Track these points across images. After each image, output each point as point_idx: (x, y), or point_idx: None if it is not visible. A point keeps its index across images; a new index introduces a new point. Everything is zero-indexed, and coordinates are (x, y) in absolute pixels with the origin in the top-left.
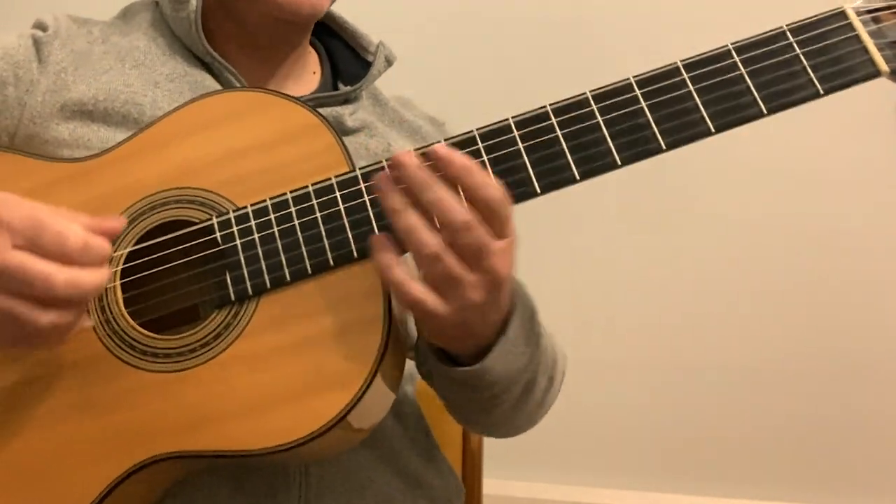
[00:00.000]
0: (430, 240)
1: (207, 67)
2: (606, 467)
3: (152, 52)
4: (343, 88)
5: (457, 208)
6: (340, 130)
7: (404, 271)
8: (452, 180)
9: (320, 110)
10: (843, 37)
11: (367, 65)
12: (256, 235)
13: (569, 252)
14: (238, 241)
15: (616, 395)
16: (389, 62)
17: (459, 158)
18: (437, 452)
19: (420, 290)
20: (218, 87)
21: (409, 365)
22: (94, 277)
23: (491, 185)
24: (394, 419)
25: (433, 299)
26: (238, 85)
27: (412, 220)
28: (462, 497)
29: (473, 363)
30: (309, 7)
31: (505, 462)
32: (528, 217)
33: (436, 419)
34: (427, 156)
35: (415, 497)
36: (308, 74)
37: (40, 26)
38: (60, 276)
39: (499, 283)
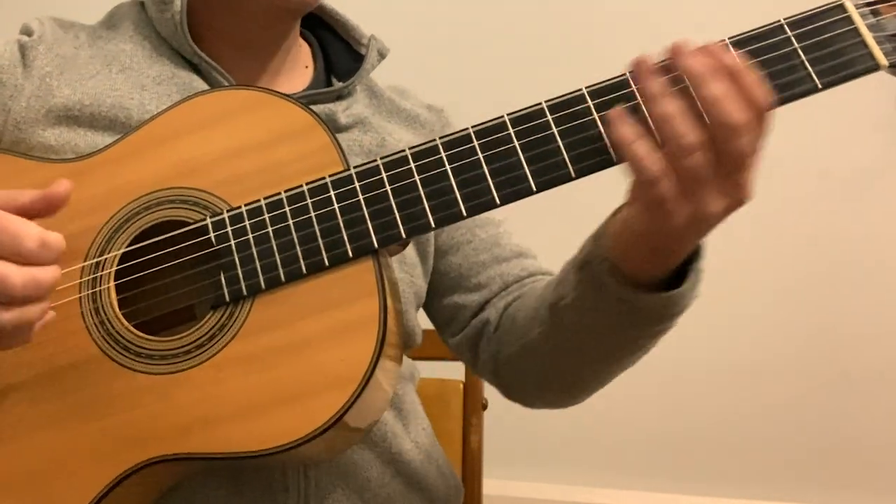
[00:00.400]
0: (692, 130)
1: (195, 68)
2: (606, 467)
3: (139, 54)
4: (336, 84)
5: (737, 107)
6: (333, 128)
7: (648, 145)
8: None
9: (313, 107)
10: (841, 30)
11: (360, 58)
12: (251, 236)
13: (568, 252)
14: (232, 242)
15: (616, 396)
16: (382, 55)
17: (734, 60)
18: (437, 452)
19: (661, 169)
20: (207, 87)
21: (409, 363)
22: (50, 274)
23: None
24: (394, 418)
25: (673, 192)
26: (227, 84)
27: (673, 107)
28: (461, 497)
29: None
30: None
31: (505, 462)
32: (529, 217)
33: (436, 419)
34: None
35: (413, 497)
36: (300, 69)
37: (26, 31)
38: (18, 277)
39: (739, 201)
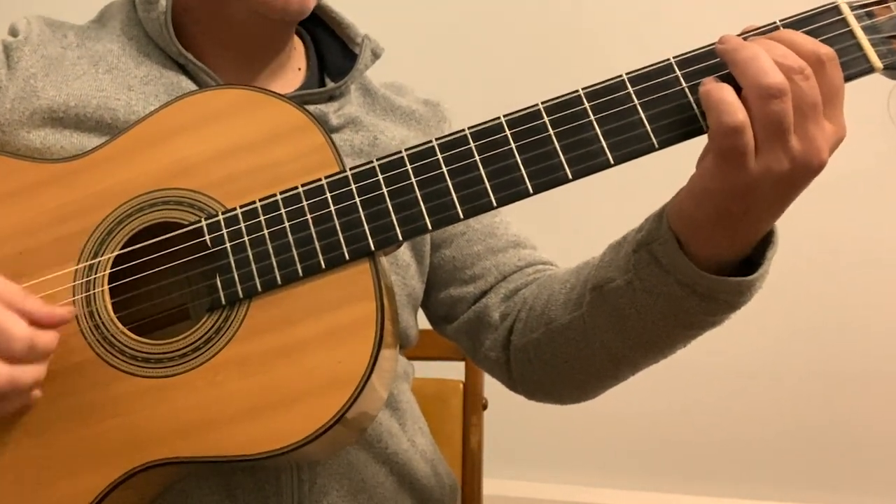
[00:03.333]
0: (776, 70)
1: (183, 69)
2: (606, 467)
3: (126, 54)
4: (329, 85)
5: (809, 47)
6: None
7: (733, 92)
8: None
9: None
10: (836, 32)
11: (355, 57)
12: (246, 238)
13: (568, 251)
14: (228, 244)
15: (616, 396)
16: (376, 55)
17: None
18: (433, 451)
19: (745, 116)
20: (195, 88)
21: (403, 362)
22: (31, 374)
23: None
24: (389, 418)
25: (751, 143)
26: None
27: (755, 49)
28: (457, 496)
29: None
30: (297, 4)
31: (505, 462)
32: (529, 217)
33: (435, 418)
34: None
35: (408, 496)
36: (292, 72)
37: (12, 32)
38: (1, 375)
39: (815, 163)
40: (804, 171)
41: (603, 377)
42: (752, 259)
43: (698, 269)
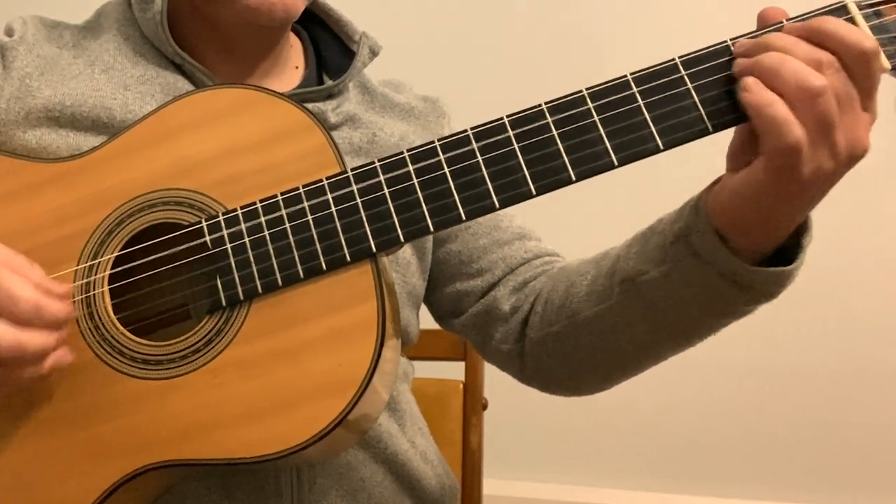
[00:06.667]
0: (811, 70)
1: (179, 68)
2: (606, 467)
3: (122, 54)
4: (327, 83)
5: (853, 40)
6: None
7: (777, 98)
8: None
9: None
10: None
11: (353, 55)
12: (247, 239)
13: (567, 251)
14: (228, 245)
15: (616, 396)
16: (374, 53)
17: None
18: (433, 452)
19: (794, 118)
20: (191, 87)
21: (403, 362)
22: (37, 341)
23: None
24: (389, 419)
25: (805, 141)
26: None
27: (777, 55)
28: (457, 497)
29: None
30: (282, 10)
31: (505, 462)
32: (529, 216)
33: (436, 418)
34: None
35: (408, 497)
36: (289, 70)
37: (8, 32)
38: (4, 338)
39: (857, 155)
40: (848, 162)
41: (628, 368)
42: (785, 245)
43: (740, 261)
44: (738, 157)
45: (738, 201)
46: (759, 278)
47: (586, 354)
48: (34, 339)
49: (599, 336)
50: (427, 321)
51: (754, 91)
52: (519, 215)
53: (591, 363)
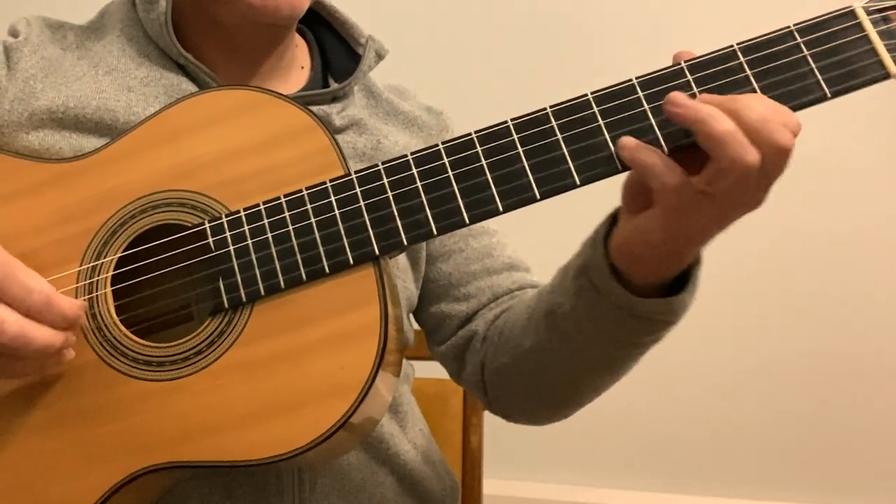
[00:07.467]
0: (752, 149)
1: (183, 69)
2: (606, 467)
3: (126, 55)
4: (332, 86)
5: (760, 103)
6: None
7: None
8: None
9: None
10: (852, 37)
11: (359, 57)
12: (250, 241)
13: (566, 251)
14: (231, 247)
15: (615, 396)
16: (380, 56)
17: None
18: (434, 452)
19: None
20: (195, 89)
21: (405, 364)
22: (44, 335)
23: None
24: (390, 420)
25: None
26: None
27: (731, 126)
28: (457, 497)
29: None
30: (288, 8)
31: (505, 462)
32: (531, 215)
33: (436, 419)
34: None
35: (409, 498)
36: (295, 70)
37: (12, 33)
38: (12, 327)
39: (756, 206)
40: (747, 212)
41: (567, 399)
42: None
43: (629, 294)
44: (638, 197)
45: (635, 239)
46: (655, 309)
47: (531, 385)
48: (41, 333)
49: (536, 367)
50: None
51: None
52: (517, 230)
53: (535, 393)
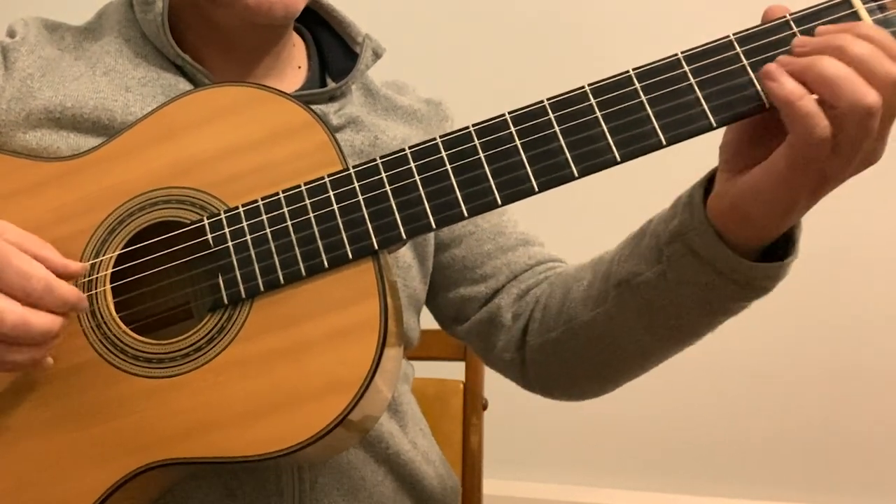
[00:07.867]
0: (871, 89)
1: (180, 70)
2: (606, 467)
3: (124, 56)
4: (330, 85)
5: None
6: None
7: (816, 103)
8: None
9: None
10: None
11: (356, 56)
12: (249, 237)
13: (566, 251)
14: (230, 243)
15: (615, 396)
16: (377, 55)
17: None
18: (434, 452)
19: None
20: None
21: (405, 364)
22: (44, 322)
23: None
24: (390, 419)
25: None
26: None
27: (844, 67)
28: (458, 497)
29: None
30: (282, 8)
31: (505, 462)
32: (530, 215)
33: (436, 419)
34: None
35: (409, 497)
36: (292, 70)
37: (10, 33)
38: (11, 315)
39: (875, 160)
40: (866, 166)
41: (629, 370)
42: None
43: (739, 258)
44: (742, 154)
45: (747, 198)
46: (756, 274)
47: (586, 359)
48: (41, 318)
49: (598, 340)
50: (427, 321)
51: (785, 86)
52: (521, 221)
53: (591, 368)
